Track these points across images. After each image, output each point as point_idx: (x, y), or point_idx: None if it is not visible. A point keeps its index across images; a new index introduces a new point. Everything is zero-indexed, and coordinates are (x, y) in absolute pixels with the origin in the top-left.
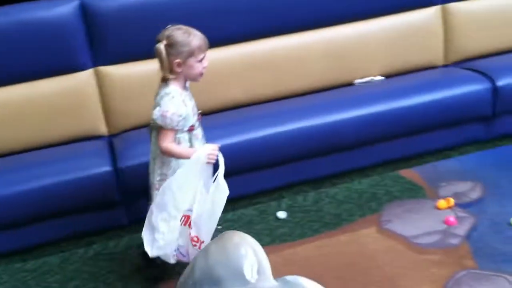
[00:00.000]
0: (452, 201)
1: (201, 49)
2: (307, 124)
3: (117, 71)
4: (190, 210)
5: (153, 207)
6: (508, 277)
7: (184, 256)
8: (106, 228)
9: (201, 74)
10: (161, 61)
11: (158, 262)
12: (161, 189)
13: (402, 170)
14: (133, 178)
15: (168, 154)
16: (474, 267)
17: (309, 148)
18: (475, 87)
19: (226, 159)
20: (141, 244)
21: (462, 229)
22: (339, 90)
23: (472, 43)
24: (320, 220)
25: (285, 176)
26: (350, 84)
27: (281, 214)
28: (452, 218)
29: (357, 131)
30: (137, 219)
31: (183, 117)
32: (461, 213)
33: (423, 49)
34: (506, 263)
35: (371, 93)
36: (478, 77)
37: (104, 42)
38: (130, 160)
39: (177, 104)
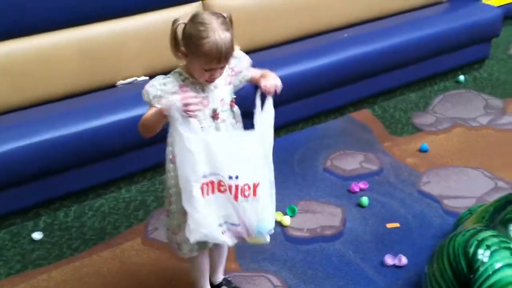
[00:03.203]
0: None
1: (208, 59)
2: (66, 132)
3: None
4: (215, 174)
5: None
6: (268, 276)
7: (237, 225)
8: None
9: (206, 81)
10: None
11: None
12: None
13: None
14: None
15: (141, 128)
16: (237, 269)
17: (65, 159)
18: None
19: None
20: None
21: None
22: (100, 93)
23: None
24: (82, 237)
25: (43, 192)
26: (112, 86)
27: (37, 235)
28: None
29: (123, 136)
30: None
31: (160, 95)
32: None
33: None
34: (266, 261)
35: (135, 95)
36: None
37: None
38: None
39: (163, 82)
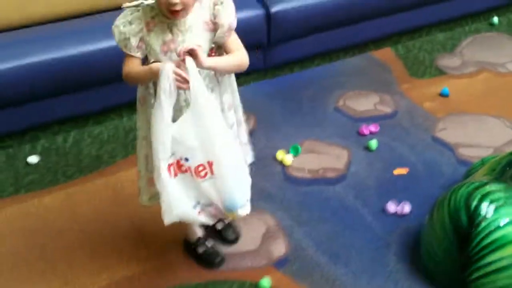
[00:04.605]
0: None
1: None
2: (67, 53)
3: None
4: (175, 154)
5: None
6: (263, 216)
7: (208, 205)
8: None
9: (168, 11)
10: None
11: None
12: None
13: None
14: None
15: (128, 81)
16: None
17: (66, 81)
18: (249, 13)
19: None
20: None
21: None
22: (105, 14)
23: None
24: (77, 164)
25: (42, 115)
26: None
27: (33, 159)
28: None
29: None
30: None
31: (125, 37)
32: None
33: None
34: (261, 201)
35: None
36: (251, 2)
37: None
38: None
39: (128, 20)
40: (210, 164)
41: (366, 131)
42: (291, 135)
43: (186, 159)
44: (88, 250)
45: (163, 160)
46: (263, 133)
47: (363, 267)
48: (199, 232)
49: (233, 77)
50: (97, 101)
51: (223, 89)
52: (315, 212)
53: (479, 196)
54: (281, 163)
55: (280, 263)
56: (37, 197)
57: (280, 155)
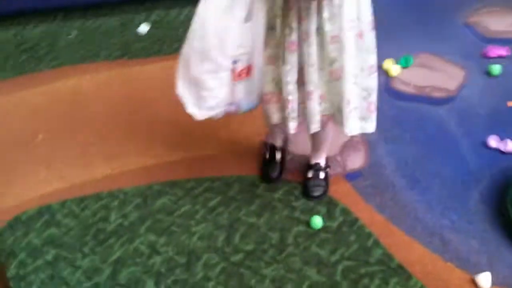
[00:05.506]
0: None
1: None
2: None
3: None
4: (244, 54)
5: (190, 54)
6: None
7: (231, 104)
8: None
9: None
10: None
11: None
12: (195, 23)
13: None
14: None
15: None
16: None
17: None
18: None
19: None
20: None
21: None
22: None
23: None
24: (184, 39)
25: None
26: None
27: (143, 28)
28: None
29: None
30: None
31: None
32: None
33: None
34: None
35: None
36: None
37: None
38: None
39: None
40: (251, 67)
41: (492, 54)
42: (407, 45)
43: (235, 62)
44: (172, 124)
45: (232, 56)
46: (377, 40)
47: (441, 199)
48: (278, 141)
49: None
50: None
51: None
52: (408, 131)
53: None
54: (386, 73)
55: (352, 176)
56: (140, 65)
57: (387, 64)
